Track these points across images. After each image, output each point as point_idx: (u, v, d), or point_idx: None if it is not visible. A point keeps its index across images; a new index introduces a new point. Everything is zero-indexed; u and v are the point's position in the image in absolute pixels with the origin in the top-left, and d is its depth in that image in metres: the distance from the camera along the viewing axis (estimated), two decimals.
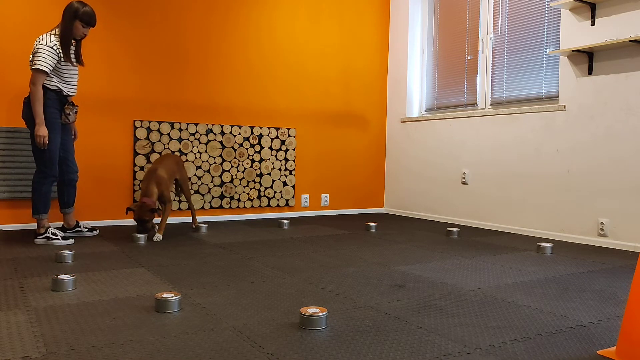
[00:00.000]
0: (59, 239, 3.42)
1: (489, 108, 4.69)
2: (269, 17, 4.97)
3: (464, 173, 4.78)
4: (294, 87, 5.14)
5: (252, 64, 4.90)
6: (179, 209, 4.59)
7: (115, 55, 4.28)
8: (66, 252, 2.87)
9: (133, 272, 2.64)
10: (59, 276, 2.28)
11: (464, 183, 4.79)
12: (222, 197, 4.77)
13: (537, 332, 1.82)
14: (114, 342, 1.65)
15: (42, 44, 3.27)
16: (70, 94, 3.47)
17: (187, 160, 4.59)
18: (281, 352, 1.60)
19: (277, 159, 5.05)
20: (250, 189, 4.92)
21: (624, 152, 3.57)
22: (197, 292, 2.28)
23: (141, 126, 4.38)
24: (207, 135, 4.67)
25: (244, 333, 1.76)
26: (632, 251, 3.49)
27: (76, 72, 3.49)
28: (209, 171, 4.70)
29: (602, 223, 3.68)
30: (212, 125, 4.70)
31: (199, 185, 4.66)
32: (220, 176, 4.76)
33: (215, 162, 4.73)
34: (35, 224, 3.69)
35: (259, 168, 4.95)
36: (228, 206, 4.81)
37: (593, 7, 3.73)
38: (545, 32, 4.19)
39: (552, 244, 3.44)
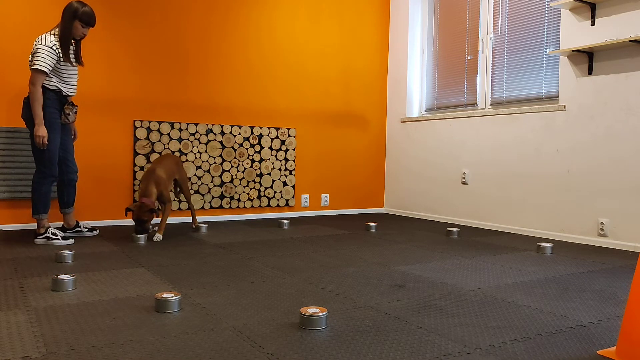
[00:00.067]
0: (59, 239, 3.42)
1: (489, 108, 4.69)
2: (269, 17, 4.97)
3: (464, 173, 4.78)
4: (294, 87, 5.14)
5: (252, 64, 4.90)
6: (179, 209, 4.59)
7: (115, 55, 4.28)
8: (66, 252, 2.87)
9: (133, 272, 2.64)
10: (59, 276, 2.28)
11: (464, 183, 4.79)
12: (222, 197, 4.77)
13: (537, 332, 1.82)
14: (114, 342, 1.65)
15: (41, 44, 3.26)
16: (70, 94, 3.47)
17: (187, 160, 4.58)
18: (281, 352, 1.60)
19: (277, 159, 5.05)
20: (250, 189, 4.92)
21: (624, 152, 3.57)
22: (197, 292, 2.28)
23: (141, 126, 4.38)
24: (207, 135, 4.67)
25: (244, 333, 1.76)
26: (632, 251, 3.49)
27: (76, 72, 3.49)
28: (209, 171, 4.70)
29: (602, 223, 3.68)
30: (212, 125, 4.70)
31: (199, 185, 4.66)
32: (220, 176, 4.76)
33: (215, 162, 4.73)
34: (35, 224, 3.69)
35: (259, 168, 4.95)
36: (228, 206, 4.81)
37: (593, 7, 3.73)
38: (545, 32, 4.19)
39: (552, 244, 3.44)
